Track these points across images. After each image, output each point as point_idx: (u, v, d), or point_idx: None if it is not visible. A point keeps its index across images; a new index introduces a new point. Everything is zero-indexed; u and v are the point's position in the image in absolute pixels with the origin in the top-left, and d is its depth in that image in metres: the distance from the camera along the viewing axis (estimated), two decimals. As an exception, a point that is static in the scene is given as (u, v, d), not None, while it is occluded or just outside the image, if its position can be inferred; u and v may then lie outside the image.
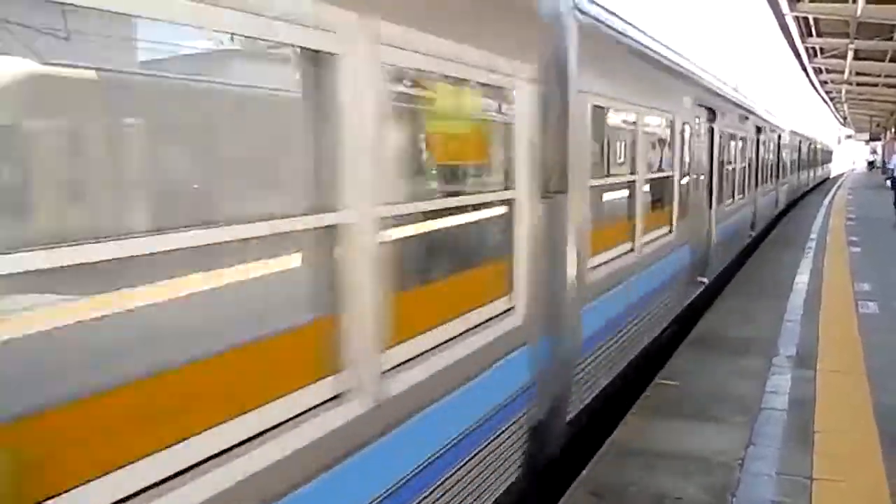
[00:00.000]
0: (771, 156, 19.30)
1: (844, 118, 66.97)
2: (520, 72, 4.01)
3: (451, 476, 3.50)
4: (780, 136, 21.60)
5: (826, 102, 55.48)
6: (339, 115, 2.65)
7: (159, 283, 2.19)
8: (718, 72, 12.41)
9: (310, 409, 2.59)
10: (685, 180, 8.61)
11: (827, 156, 51.13)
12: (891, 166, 30.08)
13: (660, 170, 7.73)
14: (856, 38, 23.63)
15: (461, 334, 3.56)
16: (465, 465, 3.63)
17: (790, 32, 25.29)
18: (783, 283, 11.47)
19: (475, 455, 3.73)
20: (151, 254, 2.04)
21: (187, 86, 2.42)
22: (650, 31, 7.55)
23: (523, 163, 4.11)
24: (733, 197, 12.73)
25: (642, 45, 7.08)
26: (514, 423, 4.14)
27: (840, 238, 17.04)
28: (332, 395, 2.69)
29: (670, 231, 8.00)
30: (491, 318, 3.87)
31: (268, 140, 2.67)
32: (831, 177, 59.06)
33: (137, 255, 2.00)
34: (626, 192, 6.59)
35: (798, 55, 30.35)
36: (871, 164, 70.19)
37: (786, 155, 23.75)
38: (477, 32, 3.63)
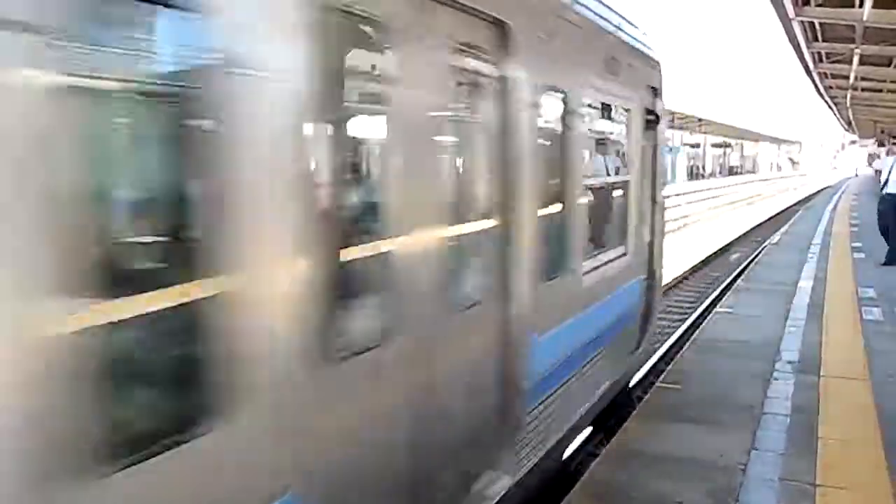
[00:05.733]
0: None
1: (849, 123, 66.85)
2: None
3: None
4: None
5: (830, 107, 55.35)
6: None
7: None
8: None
9: None
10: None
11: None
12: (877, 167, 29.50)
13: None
14: (862, 44, 23.53)
15: None
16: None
17: (796, 36, 25.23)
18: (786, 287, 11.44)
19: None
20: None
21: None
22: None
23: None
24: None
25: None
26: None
27: (844, 243, 16.99)
28: None
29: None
30: None
31: None
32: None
33: None
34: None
35: (803, 60, 30.27)
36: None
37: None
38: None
